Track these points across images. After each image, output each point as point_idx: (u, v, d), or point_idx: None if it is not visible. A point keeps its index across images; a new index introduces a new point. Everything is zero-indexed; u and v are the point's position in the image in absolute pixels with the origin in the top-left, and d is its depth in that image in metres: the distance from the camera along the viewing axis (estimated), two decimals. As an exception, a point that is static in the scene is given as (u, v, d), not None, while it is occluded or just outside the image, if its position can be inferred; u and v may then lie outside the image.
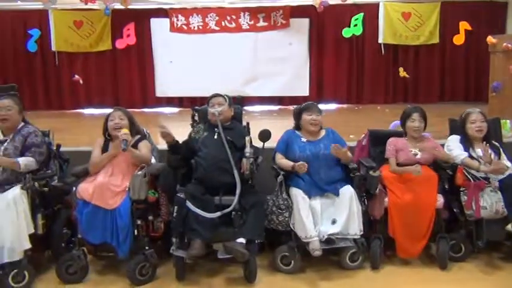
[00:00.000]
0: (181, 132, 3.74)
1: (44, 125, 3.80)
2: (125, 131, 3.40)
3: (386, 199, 3.48)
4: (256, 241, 3.30)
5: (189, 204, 3.25)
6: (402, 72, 9.41)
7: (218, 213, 3.25)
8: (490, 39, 7.22)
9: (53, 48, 9.67)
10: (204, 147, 3.51)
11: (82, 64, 9.88)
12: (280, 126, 3.94)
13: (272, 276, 3.35)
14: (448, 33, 9.39)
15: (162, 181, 3.49)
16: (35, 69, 9.83)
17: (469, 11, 9.43)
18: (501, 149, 3.69)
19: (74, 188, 3.39)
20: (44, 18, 9.60)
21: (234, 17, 9.67)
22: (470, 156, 3.58)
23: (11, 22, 9.69)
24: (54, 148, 3.67)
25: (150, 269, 3.27)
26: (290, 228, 3.35)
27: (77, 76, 9.50)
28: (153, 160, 3.56)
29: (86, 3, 8.74)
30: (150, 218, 3.36)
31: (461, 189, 3.50)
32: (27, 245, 3.14)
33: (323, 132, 3.70)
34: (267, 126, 3.49)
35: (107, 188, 3.28)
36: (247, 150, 3.35)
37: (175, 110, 9.81)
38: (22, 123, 3.54)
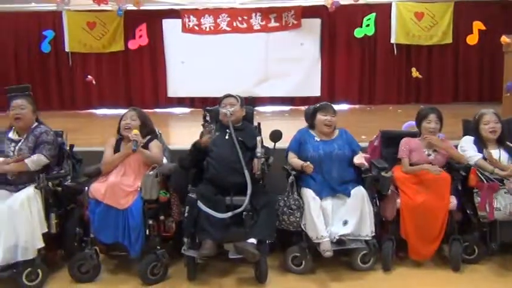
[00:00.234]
0: (194, 132, 3.76)
1: (57, 125, 3.84)
2: (135, 132, 3.43)
3: (398, 200, 3.46)
4: (267, 241, 3.30)
5: (200, 204, 3.26)
6: (415, 73, 9.32)
7: (229, 214, 3.26)
8: (504, 39, 7.11)
9: (67, 49, 9.75)
10: (215, 148, 3.51)
11: (95, 65, 9.95)
12: (291, 127, 3.93)
13: (283, 277, 3.35)
14: (462, 33, 9.27)
15: (174, 181, 3.51)
16: (49, 70, 9.92)
17: (483, 10, 9.30)
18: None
19: (87, 188, 3.42)
20: (57, 19, 9.68)
21: (245, 17, 9.66)
22: (484, 158, 3.54)
23: (26, 23, 9.79)
24: (68, 148, 3.71)
25: (161, 269, 3.29)
26: (301, 229, 3.34)
27: (90, 77, 9.56)
28: (164, 160, 3.58)
29: (99, 5, 8.80)
30: (162, 217, 3.38)
31: (474, 190, 3.47)
32: (41, 244, 3.18)
33: (336, 133, 3.70)
34: (278, 126, 3.49)
35: (118, 187, 3.30)
36: (259, 150, 3.35)
37: (187, 110, 9.83)
38: (36, 123, 3.58)
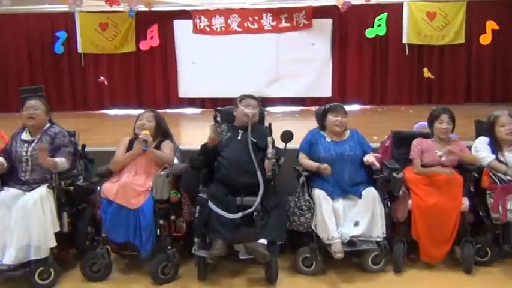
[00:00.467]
0: (205, 132, 3.76)
1: (69, 126, 3.87)
2: (146, 132, 3.45)
3: (410, 201, 3.43)
4: (278, 242, 3.29)
5: (211, 204, 3.26)
6: (427, 73, 9.25)
7: (240, 214, 3.26)
8: (518, 38, 7.05)
9: (79, 50, 9.84)
10: (227, 148, 3.52)
11: (107, 65, 10.03)
12: (302, 127, 3.92)
13: (293, 278, 3.34)
14: (475, 32, 9.18)
15: (185, 181, 3.52)
16: (62, 71, 10.01)
17: (496, 10, 9.21)
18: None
19: (99, 188, 3.44)
20: (70, 20, 9.77)
21: (256, 18, 9.66)
22: (498, 160, 3.50)
23: (39, 25, 9.90)
24: (80, 148, 3.74)
25: (172, 269, 3.30)
26: (312, 230, 3.33)
27: (102, 77, 9.65)
28: (175, 161, 3.60)
29: (111, 6, 8.87)
30: (173, 217, 3.40)
31: (487, 192, 3.44)
32: (53, 243, 3.22)
33: (347, 133, 3.68)
34: (289, 127, 3.48)
35: (130, 187, 3.32)
36: (270, 151, 3.35)
37: (198, 110, 9.87)
38: (48, 124, 3.62)
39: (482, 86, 9.66)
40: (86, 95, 10.13)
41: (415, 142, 3.66)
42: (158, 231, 3.30)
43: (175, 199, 3.37)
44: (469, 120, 4.20)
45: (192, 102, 10.07)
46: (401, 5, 9.44)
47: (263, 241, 3.19)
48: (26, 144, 3.48)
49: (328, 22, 9.67)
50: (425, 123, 3.83)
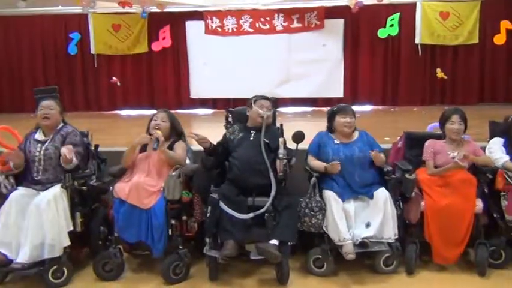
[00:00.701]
0: (217, 133, 3.78)
1: (82, 126, 3.91)
2: (158, 132, 3.48)
3: (422, 203, 3.40)
4: (289, 243, 3.29)
5: (222, 205, 3.27)
6: (440, 74, 9.18)
7: (251, 214, 3.26)
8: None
9: (92, 51, 9.95)
10: (239, 148, 3.52)
11: (119, 66, 10.12)
12: (313, 128, 3.91)
13: (304, 279, 3.34)
14: (489, 32, 9.09)
15: (196, 182, 3.54)
16: (75, 72, 10.13)
17: (511, 9, 9.10)
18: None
19: (111, 188, 3.47)
20: (83, 22, 9.89)
21: (268, 18, 9.67)
22: (512, 161, 3.46)
23: (53, 26, 10.03)
24: (93, 148, 3.78)
25: (183, 268, 3.32)
26: (323, 231, 3.32)
27: (114, 78, 9.73)
28: (187, 161, 3.61)
29: (124, 7, 8.95)
30: (184, 218, 3.41)
31: (501, 193, 3.39)
32: (67, 242, 3.25)
33: (356, 134, 3.66)
34: (301, 127, 3.47)
35: (142, 187, 3.34)
36: (281, 151, 3.35)
37: (209, 111, 9.91)
38: (62, 124, 3.65)
39: (496, 86, 9.56)
40: (99, 96, 10.24)
41: (427, 144, 3.64)
42: (170, 231, 3.31)
43: (187, 199, 3.38)
44: (482, 120, 4.16)
45: (203, 102, 10.11)
46: (414, 5, 9.38)
47: (274, 242, 3.19)
48: (39, 144, 3.51)
49: (340, 22, 9.64)
50: (438, 124, 3.80)
